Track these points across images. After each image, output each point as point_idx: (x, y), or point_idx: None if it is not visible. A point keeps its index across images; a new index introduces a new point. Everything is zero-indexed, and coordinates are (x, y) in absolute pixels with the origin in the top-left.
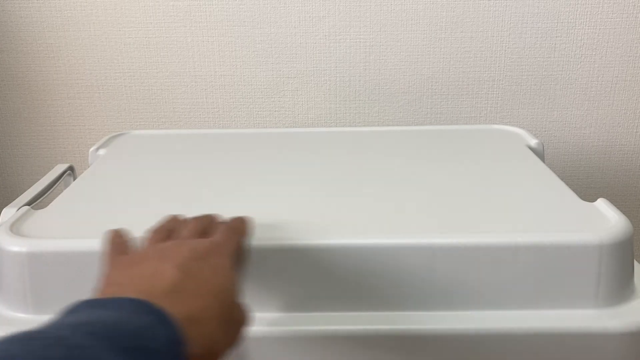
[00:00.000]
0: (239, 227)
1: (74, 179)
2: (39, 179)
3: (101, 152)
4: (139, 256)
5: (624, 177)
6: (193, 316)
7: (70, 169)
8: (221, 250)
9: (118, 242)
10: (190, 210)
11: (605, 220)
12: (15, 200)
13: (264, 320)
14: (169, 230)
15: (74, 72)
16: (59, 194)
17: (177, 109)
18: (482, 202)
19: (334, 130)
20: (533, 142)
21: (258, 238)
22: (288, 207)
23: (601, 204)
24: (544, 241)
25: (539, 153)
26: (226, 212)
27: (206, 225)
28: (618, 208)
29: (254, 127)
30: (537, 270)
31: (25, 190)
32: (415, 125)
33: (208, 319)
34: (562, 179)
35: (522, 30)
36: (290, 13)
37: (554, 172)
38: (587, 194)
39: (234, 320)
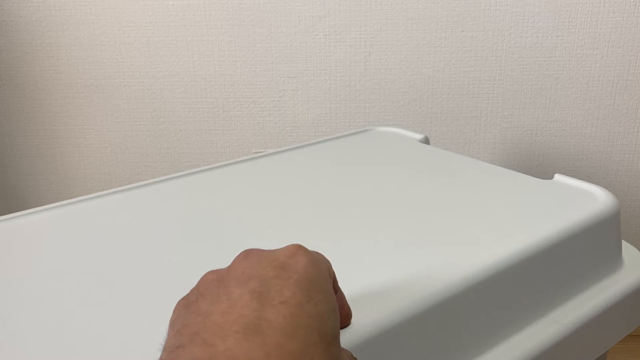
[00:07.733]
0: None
1: None
2: (38, 179)
3: None
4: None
5: (624, 177)
6: None
7: None
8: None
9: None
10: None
11: (582, 190)
12: None
13: None
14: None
15: (74, 72)
16: None
17: (177, 109)
18: (465, 209)
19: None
20: (419, 137)
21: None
22: None
23: (560, 178)
24: (578, 225)
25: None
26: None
27: None
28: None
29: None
30: (577, 254)
31: (24, 190)
32: (292, 146)
33: None
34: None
35: (522, 30)
36: (290, 13)
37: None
38: None
39: None
